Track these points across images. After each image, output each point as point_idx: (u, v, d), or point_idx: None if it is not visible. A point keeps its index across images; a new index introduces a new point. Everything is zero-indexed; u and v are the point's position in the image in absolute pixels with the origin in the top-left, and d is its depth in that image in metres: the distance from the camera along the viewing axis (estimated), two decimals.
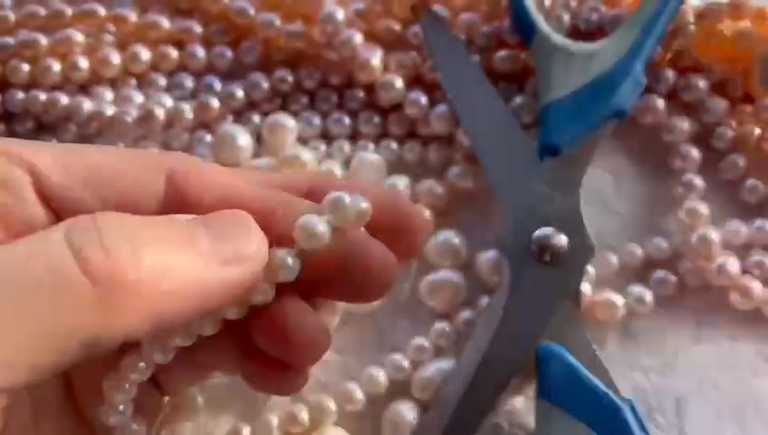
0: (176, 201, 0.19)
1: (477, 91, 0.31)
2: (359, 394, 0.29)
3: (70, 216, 0.17)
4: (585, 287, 0.29)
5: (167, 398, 0.25)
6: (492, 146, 0.30)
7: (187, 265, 0.17)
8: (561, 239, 0.27)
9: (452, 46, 0.32)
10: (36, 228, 0.17)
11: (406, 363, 0.29)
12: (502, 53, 0.33)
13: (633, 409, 0.25)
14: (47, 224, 0.19)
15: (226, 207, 0.19)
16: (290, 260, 0.19)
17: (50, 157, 0.19)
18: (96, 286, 0.15)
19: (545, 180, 0.29)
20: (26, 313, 0.14)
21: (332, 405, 0.28)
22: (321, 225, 0.19)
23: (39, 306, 0.14)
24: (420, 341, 0.29)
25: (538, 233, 0.28)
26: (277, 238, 0.19)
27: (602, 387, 0.25)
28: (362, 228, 0.20)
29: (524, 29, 0.32)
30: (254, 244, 0.18)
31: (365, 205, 0.19)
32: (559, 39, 0.31)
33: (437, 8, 0.34)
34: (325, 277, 0.20)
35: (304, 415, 0.28)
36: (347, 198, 0.19)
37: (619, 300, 0.29)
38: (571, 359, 0.26)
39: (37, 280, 0.14)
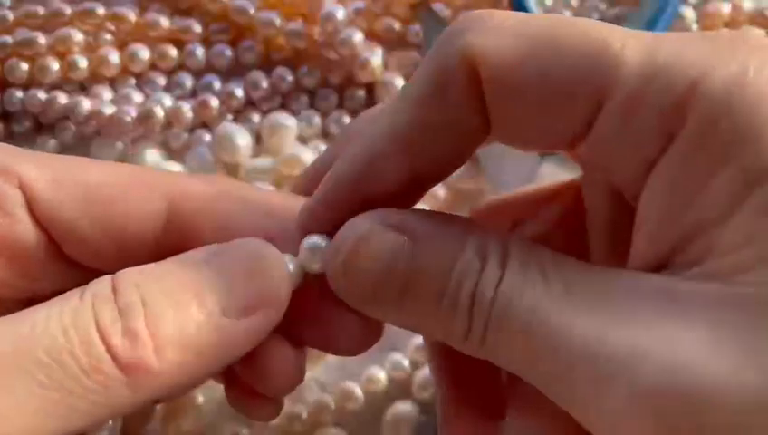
0: (176, 227, 0.19)
1: None
2: (358, 393, 0.29)
3: (60, 236, 0.17)
4: None
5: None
6: (493, 146, 0.30)
7: (203, 331, 0.16)
8: None
9: None
10: (26, 248, 0.17)
11: (406, 363, 0.29)
12: None
13: None
14: (36, 244, 0.18)
15: (226, 237, 0.18)
16: (291, 266, 0.18)
17: (43, 172, 0.18)
18: (122, 370, 0.15)
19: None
20: (58, 386, 0.15)
21: (332, 404, 0.28)
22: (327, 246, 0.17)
23: (73, 385, 0.15)
24: (420, 340, 0.29)
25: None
26: None
27: None
28: None
29: None
30: (275, 284, 0.17)
31: None
32: None
33: (437, 6, 0.34)
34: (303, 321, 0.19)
35: (304, 415, 0.28)
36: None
37: None
38: None
39: (70, 354, 0.15)
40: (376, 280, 0.17)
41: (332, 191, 0.18)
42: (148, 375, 0.15)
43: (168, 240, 0.19)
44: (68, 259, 0.19)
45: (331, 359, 0.29)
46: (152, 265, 0.17)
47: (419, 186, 0.18)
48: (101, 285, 0.16)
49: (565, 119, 0.16)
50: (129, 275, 0.16)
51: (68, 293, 0.16)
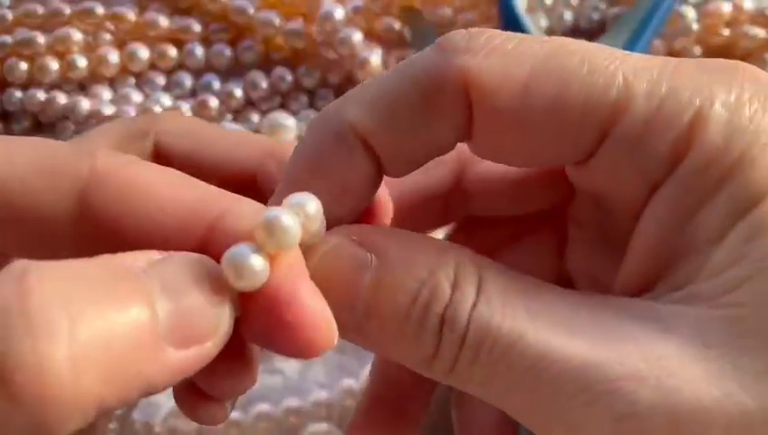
0: (89, 218, 0.16)
1: None
2: (356, 390, 0.29)
3: None
4: None
5: None
6: None
7: (135, 361, 0.13)
8: None
9: None
10: None
11: None
12: None
13: None
14: None
15: (145, 221, 0.15)
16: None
17: None
18: (20, 408, 0.12)
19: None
20: None
21: (330, 401, 0.28)
22: (255, 260, 0.14)
23: None
24: None
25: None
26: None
27: None
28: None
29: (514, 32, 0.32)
30: (215, 315, 0.14)
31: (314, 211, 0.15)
32: None
33: (426, 10, 0.34)
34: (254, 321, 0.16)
35: (301, 410, 0.28)
36: (286, 219, 0.14)
37: None
38: None
39: None
40: (339, 297, 0.16)
41: (287, 189, 0.16)
42: (54, 413, 0.12)
43: (85, 226, 0.16)
44: None
45: (330, 357, 0.29)
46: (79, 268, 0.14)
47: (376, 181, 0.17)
48: (4, 291, 0.12)
49: (567, 147, 0.16)
50: (47, 277, 0.13)
51: None
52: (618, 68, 0.15)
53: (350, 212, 0.17)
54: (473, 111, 0.16)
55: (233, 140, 0.23)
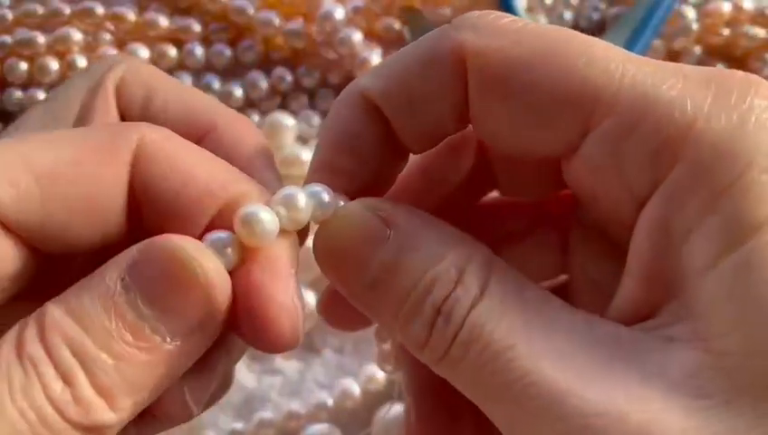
0: (141, 191, 0.17)
1: None
2: (356, 391, 0.29)
3: (32, 238, 0.16)
4: None
5: None
6: None
7: (151, 365, 0.15)
8: None
9: None
10: (5, 266, 0.16)
11: None
12: None
13: None
14: (15, 258, 0.16)
15: (186, 196, 0.16)
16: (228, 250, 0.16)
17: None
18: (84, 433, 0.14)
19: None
20: None
21: (330, 402, 0.28)
22: (268, 217, 0.16)
23: None
24: None
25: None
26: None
27: None
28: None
29: None
30: (198, 307, 0.15)
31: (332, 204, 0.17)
32: None
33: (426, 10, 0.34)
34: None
35: (301, 411, 0.28)
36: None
37: None
38: None
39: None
40: (352, 265, 0.16)
41: (324, 155, 0.18)
42: (106, 427, 0.15)
43: (136, 200, 0.17)
44: (42, 254, 0.17)
45: (330, 357, 0.29)
46: (71, 297, 0.15)
47: (396, 162, 0.18)
48: (34, 347, 0.14)
49: (549, 133, 0.16)
50: (54, 326, 0.15)
51: (2, 353, 0.14)
52: (615, 68, 0.15)
53: (372, 183, 0.18)
54: (468, 84, 0.16)
55: (184, 105, 0.22)
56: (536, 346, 0.14)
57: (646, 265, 0.15)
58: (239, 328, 0.16)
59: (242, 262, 0.16)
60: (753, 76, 0.15)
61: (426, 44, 0.17)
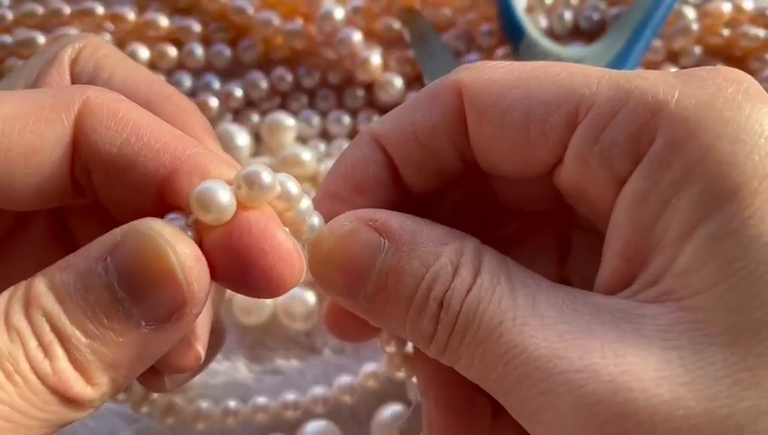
0: (82, 146, 0.17)
1: None
2: (354, 387, 0.29)
3: None
4: None
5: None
6: None
7: (128, 346, 0.15)
8: None
9: (438, 51, 0.32)
10: None
11: None
12: (501, 51, 0.33)
13: None
14: None
15: (132, 154, 0.16)
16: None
17: None
18: (62, 401, 0.15)
19: None
20: (12, 426, 0.15)
21: (327, 397, 0.28)
22: (224, 196, 0.15)
23: (20, 417, 0.15)
24: None
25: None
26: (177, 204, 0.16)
27: None
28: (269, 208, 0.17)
29: (512, 33, 0.32)
30: (183, 287, 0.15)
31: (293, 189, 0.17)
32: (547, 43, 0.31)
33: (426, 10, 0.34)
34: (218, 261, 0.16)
35: (299, 403, 0.28)
36: (266, 176, 0.16)
37: None
38: None
39: (18, 395, 0.15)
40: (352, 277, 0.17)
41: (331, 185, 0.19)
42: (84, 400, 0.15)
43: (78, 154, 0.17)
44: None
45: (329, 358, 0.30)
46: (56, 272, 0.15)
47: (408, 191, 0.19)
48: (19, 318, 0.15)
49: (542, 138, 0.17)
50: (37, 299, 0.15)
51: None
52: (593, 73, 0.17)
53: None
54: (466, 116, 0.18)
55: (127, 81, 0.22)
56: (521, 319, 0.16)
57: (625, 239, 0.16)
58: (242, 272, 0.16)
59: (199, 241, 0.16)
60: (722, 66, 0.16)
61: (428, 87, 0.19)
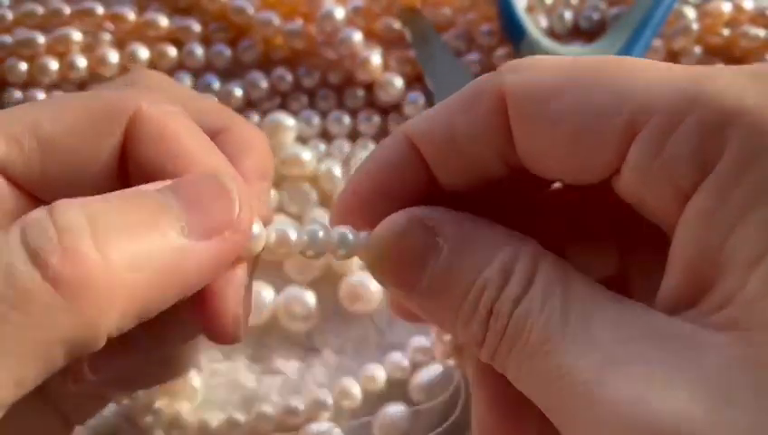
0: (133, 154, 0.18)
1: None
2: (356, 390, 0.29)
3: (33, 193, 0.18)
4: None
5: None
6: None
7: (160, 249, 0.15)
8: None
9: (439, 51, 0.32)
10: (6, 207, 0.18)
11: (406, 363, 0.29)
12: (501, 51, 0.33)
13: None
14: (15, 205, 0.18)
15: (179, 168, 0.18)
16: (257, 228, 0.18)
17: (7, 144, 0.17)
18: (61, 291, 0.14)
19: None
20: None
21: (329, 400, 0.28)
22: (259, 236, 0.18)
23: (9, 323, 0.13)
24: (420, 341, 0.29)
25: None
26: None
27: None
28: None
29: (513, 33, 0.32)
30: (235, 209, 0.17)
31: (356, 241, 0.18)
32: (547, 43, 0.31)
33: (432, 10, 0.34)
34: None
35: (300, 407, 0.28)
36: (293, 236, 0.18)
37: None
38: None
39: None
40: (406, 275, 0.17)
41: (358, 184, 0.19)
42: (93, 294, 0.14)
43: (125, 165, 0.18)
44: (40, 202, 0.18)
45: (330, 358, 0.30)
46: (99, 196, 0.16)
47: (442, 193, 0.19)
48: (35, 211, 0.15)
49: (597, 148, 0.16)
50: (69, 200, 0.15)
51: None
52: (654, 73, 0.15)
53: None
54: (510, 121, 0.17)
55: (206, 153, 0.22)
56: (571, 338, 0.15)
57: (690, 257, 0.15)
58: (196, 315, 0.18)
59: None
60: None
61: (468, 88, 0.17)
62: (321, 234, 0.18)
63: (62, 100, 0.18)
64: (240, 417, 0.28)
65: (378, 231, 0.18)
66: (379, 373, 0.29)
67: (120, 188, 0.17)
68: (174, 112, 0.18)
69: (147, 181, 0.17)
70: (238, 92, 0.33)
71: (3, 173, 0.18)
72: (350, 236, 0.18)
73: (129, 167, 0.18)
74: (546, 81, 0.16)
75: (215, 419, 0.28)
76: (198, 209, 0.16)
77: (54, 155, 0.18)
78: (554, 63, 0.17)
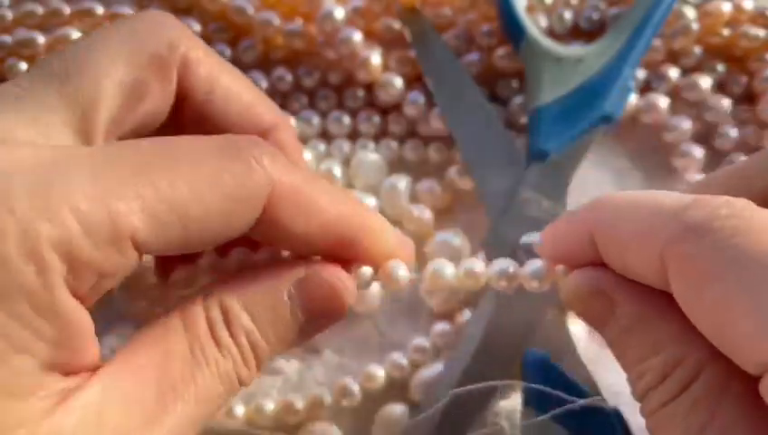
0: (268, 226, 0.19)
1: (464, 96, 0.32)
2: (355, 389, 0.29)
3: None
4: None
5: None
6: (479, 151, 0.30)
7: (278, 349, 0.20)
8: None
9: (439, 51, 0.33)
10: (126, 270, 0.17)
11: (404, 362, 0.29)
12: (501, 51, 0.33)
13: (619, 416, 0.25)
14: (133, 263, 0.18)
15: (325, 239, 0.20)
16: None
17: (150, 226, 0.17)
18: None
19: (532, 185, 0.29)
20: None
21: (328, 399, 0.28)
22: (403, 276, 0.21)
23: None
24: (420, 341, 0.29)
25: (524, 238, 0.28)
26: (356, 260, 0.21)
27: (587, 395, 0.25)
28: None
29: (513, 32, 0.32)
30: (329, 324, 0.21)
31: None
32: (548, 43, 0.31)
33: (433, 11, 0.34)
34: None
35: (299, 404, 0.28)
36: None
37: None
38: (557, 367, 0.26)
39: None
40: (591, 324, 0.19)
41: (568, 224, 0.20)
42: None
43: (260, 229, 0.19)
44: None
45: (330, 358, 0.30)
46: (246, 294, 0.19)
47: None
48: (224, 334, 0.19)
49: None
50: (238, 321, 0.19)
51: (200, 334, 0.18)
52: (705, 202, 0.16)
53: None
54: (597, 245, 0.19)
55: (249, 100, 0.24)
56: None
57: None
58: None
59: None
60: None
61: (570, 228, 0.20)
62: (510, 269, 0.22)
63: (197, 163, 0.17)
64: (239, 409, 0.28)
65: (565, 287, 0.20)
66: (378, 373, 0.29)
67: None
68: (308, 179, 0.20)
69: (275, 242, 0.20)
70: None
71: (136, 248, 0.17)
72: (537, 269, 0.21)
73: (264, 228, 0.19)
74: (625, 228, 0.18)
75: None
76: (319, 321, 0.20)
77: (192, 233, 0.17)
78: (629, 201, 0.18)
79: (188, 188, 0.17)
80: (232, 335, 0.18)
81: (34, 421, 0.15)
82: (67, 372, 0.16)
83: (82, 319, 0.16)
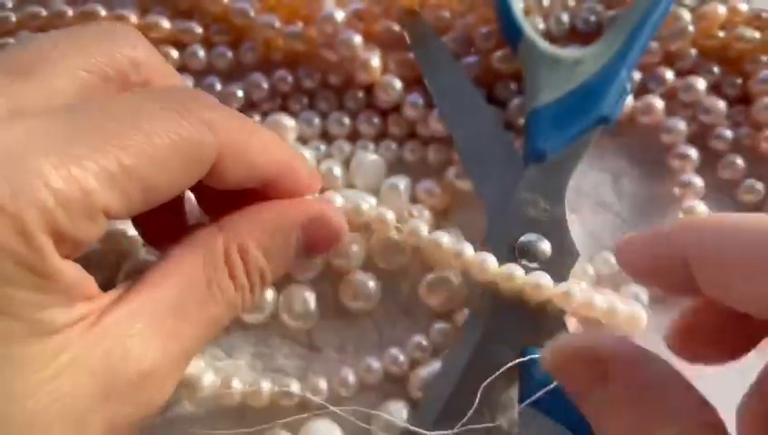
0: (210, 175, 0.21)
1: (463, 97, 0.32)
2: (352, 380, 0.29)
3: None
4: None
5: None
6: (478, 152, 0.31)
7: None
8: (545, 246, 0.28)
9: (438, 53, 0.33)
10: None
11: (402, 357, 0.29)
12: (500, 53, 0.33)
13: None
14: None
15: (254, 182, 0.23)
16: None
17: (120, 199, 0.19)
18: None
19: (530, 186, 0.29)
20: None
21: (324, 389, 0.29)
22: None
23: None
24: (419, 339, 0.30)
25: (522, 239, 0.28)
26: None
27: None
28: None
29: (511, 34, 0.32)
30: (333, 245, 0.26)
31: None
32: (545, 45, 0.32)
33: (429, 15, 0.34)
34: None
35: (295, 388, 0.28)
36: None
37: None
38: None
39: None
40: (572, 389, 0.19)
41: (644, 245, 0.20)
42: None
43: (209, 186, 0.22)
44: None
45: (330, 357, 0.30)
46: (261, 238, 0.23)
47: None
48: (240, 270, 0.22)
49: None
50: (255, 263, 0.23)
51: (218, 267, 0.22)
52: None
53: None
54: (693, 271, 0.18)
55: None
56: None
57: None
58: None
59: None
60: None
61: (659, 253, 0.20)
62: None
63: (152, 135, 0.19)
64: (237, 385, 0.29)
65: (554, 345, 0.19)
66: (375, 365, 0.29)
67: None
68: (252, 130, 0.23)
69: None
70: (239, 94, 0.34)
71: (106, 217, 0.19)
72: None
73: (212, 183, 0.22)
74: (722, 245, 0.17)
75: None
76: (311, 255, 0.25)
77: (150, 197, 0.20)
78: (723, 226, 0.18)
79: (150, 159, 0.19)
80: (247, 273, 0.22)
81: (71, 340, 0.18)
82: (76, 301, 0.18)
83: (73, 268, 0.19)
